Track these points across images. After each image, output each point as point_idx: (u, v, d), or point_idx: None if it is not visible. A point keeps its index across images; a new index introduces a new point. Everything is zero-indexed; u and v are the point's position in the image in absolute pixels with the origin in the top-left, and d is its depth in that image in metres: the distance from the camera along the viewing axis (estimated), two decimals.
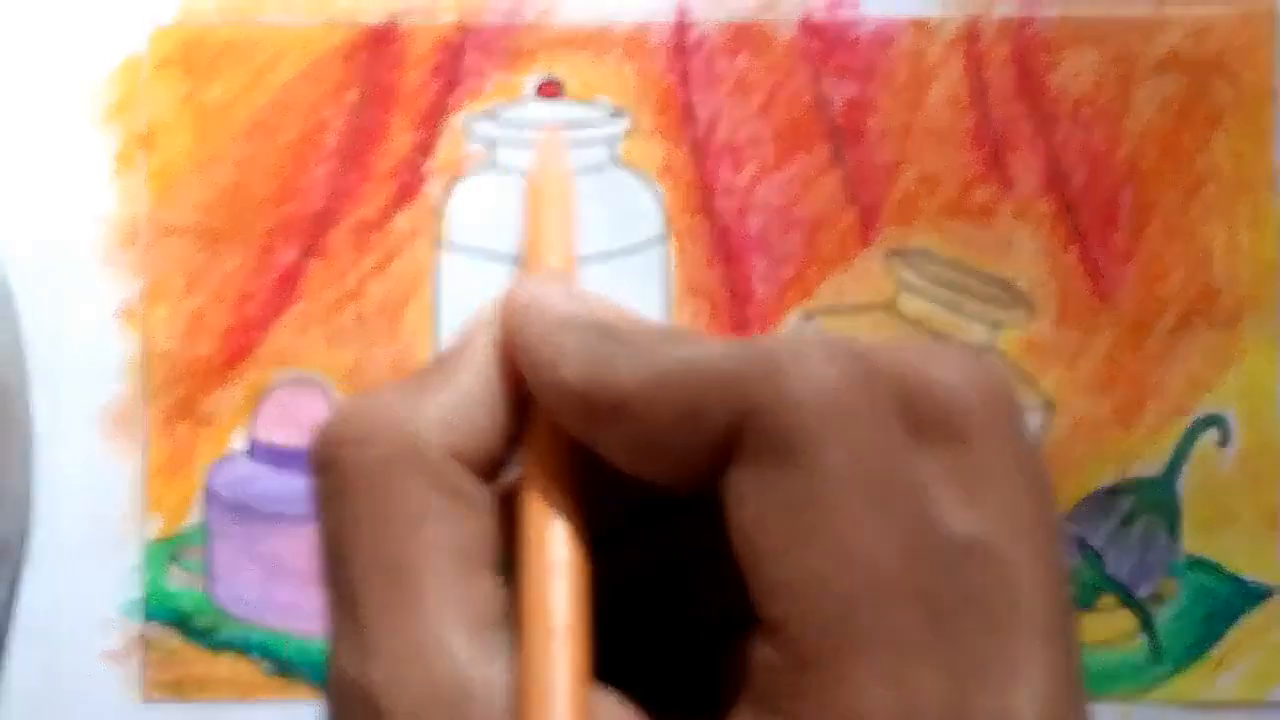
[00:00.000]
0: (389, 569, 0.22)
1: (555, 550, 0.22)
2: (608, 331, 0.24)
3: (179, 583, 0.46)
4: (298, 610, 0.46)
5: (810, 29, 0.47)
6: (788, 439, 0.20)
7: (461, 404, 0.24)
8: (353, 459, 0.23)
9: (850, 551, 0.19)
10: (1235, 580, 0.46)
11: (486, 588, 0.22)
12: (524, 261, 0.28)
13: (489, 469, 0.24)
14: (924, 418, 0.21)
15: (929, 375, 0.21)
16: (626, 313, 0.26)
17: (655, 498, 0.23)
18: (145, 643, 0.46)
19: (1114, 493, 0.46)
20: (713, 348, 0.21)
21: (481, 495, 0.23)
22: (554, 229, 0.28)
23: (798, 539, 0.19)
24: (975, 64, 0.46)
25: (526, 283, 0.25)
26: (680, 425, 0.21)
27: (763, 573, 0.20)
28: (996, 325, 0.46)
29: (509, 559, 0.23)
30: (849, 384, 0.20)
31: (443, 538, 0.22)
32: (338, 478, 0.23)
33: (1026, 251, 0.46)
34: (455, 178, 0.47)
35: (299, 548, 0.46)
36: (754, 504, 0.20)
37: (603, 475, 0.23)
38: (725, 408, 0.20)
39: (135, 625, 0.46)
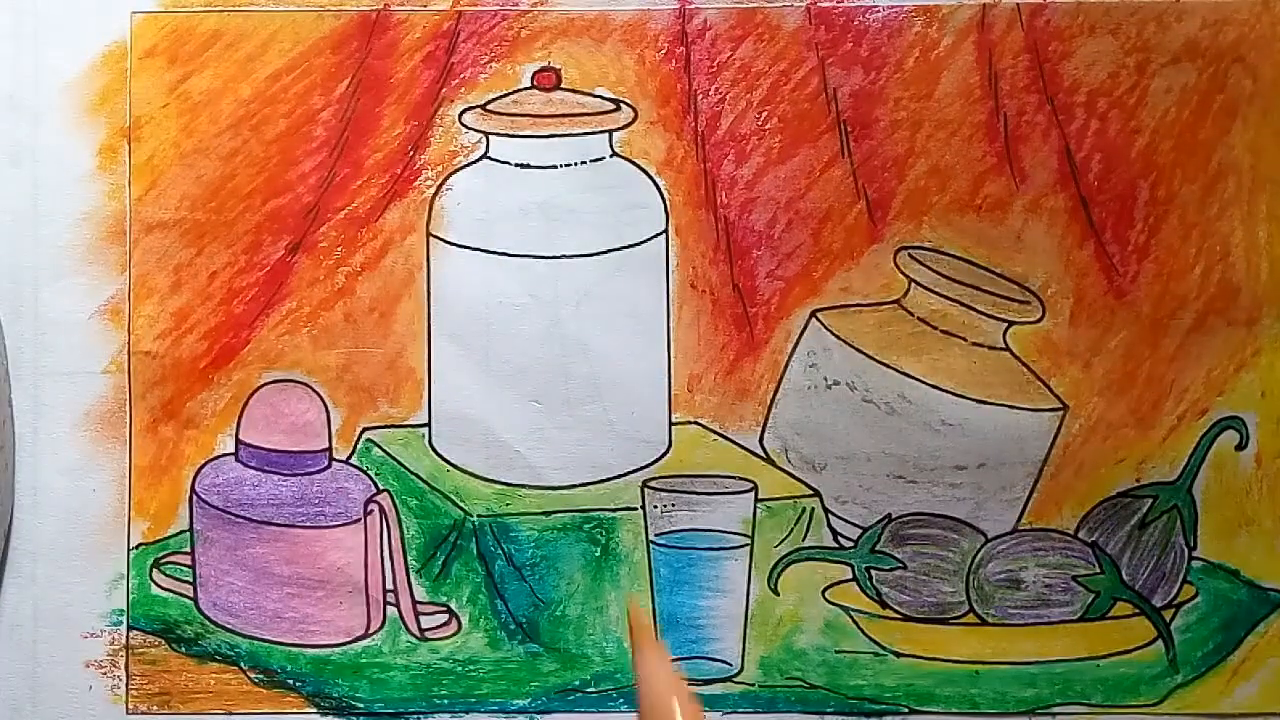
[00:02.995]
0: None
1: None
2: None
3: (164, 590, 0.45)
4: (284, 619, 0.45)
5: (818, 16, 0.46)
6: None
7: None
8: None
9: None
10: (1253, 587, 0.45)
11: None
12: None
13: None
14: None
15: None
16: None
17: None
18: (130, 652, 0.45)
19: (1130, 497, 0.45)
20: None
21: None
22: None
23: None
24: (987, 53, 0.46)
25: None
26: None
27: None
28: (1009, 324, 0.45)
29: None
30: None
31: None
32: None
33: (1040, 247, 0.46)
34: (449, 171, 0.46)
35: (286, 554, 0.45)
36: None
37: None
38: None
39: (119, 634, 0.45)
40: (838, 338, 0.46)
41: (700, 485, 0.45)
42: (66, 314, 0.45)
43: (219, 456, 0.45)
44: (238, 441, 0.45)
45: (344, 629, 0.45)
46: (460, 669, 0.45)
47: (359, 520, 0.45)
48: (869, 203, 0.46)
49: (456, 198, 0.46)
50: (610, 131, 0.46)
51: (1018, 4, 0.46)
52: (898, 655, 0.45)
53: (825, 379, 0.46)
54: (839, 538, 0.45)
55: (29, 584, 0.45)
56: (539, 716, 0.45)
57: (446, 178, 0.46)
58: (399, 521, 0.45)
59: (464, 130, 0.46)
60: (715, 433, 0.46)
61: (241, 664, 0.45)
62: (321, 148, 0.46)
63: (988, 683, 0.45)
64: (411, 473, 0.45)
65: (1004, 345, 0.46)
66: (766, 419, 0.46)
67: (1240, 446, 0.46)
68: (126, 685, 0.45)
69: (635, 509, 0.45)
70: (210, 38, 0.46)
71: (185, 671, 0.45)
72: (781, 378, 0.46)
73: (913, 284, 0.45)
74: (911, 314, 0.46)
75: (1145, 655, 0.45)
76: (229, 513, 0.45)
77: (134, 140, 0.46)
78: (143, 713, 0.45)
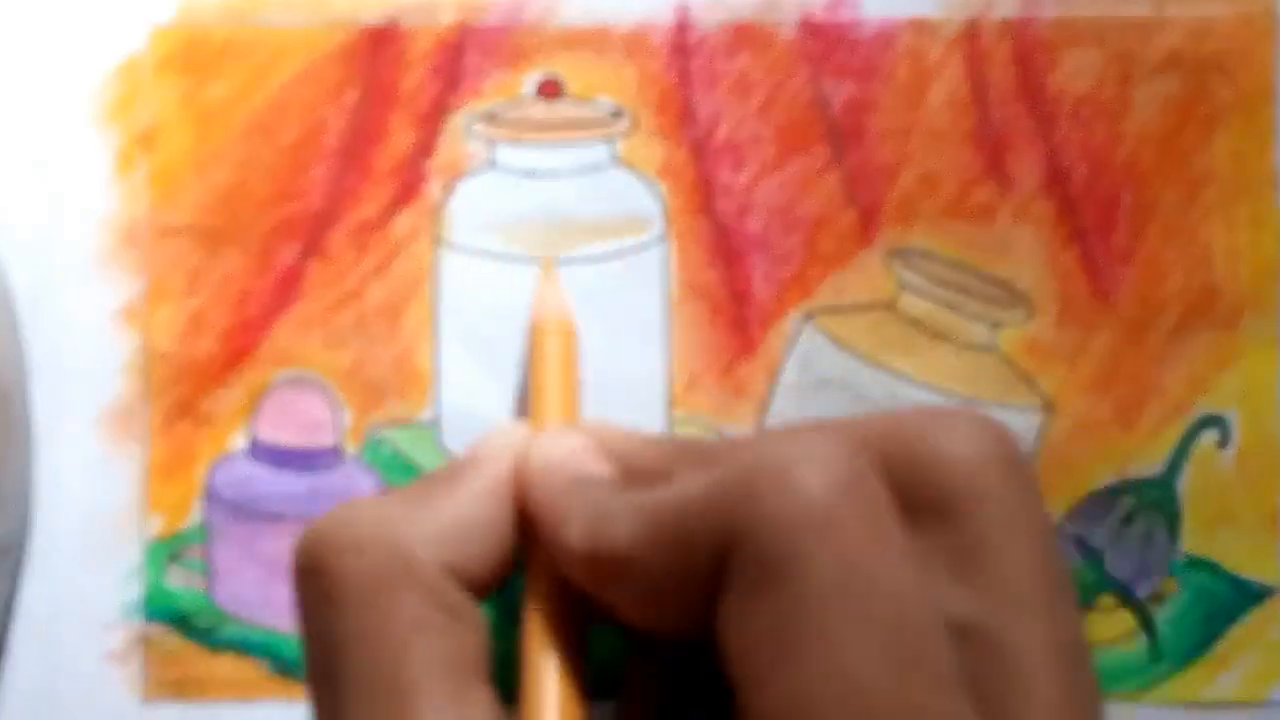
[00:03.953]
0: (380, 688, 0.21)
1: (548, 695, 0.22)
2: (610, 487, 0.23)
3: (179, 582, 0.46)
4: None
5: (810, 29, 0.47)
6: (771, 561, 0.19)
7: (461, 522, 0.24)
8: (342, 568, 0.23)
9: (836, 672, 0.18)
10: (1235, 580, 0.46)
11: (482, 701, 0.22)
12: (531, 408, 0.29)
13: (483, 587, 0.24)
14: (920, 495, 0.20)
15: (925, 449, 0.21)
16: (635, 446, 0.25)
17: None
18: (146, 643, 0.46)
19: (1114, 493, 0.46)
20: (698, 481, 0.21)
21: (475, 611, 0.23)
22: (558, 376, 0.29)
23: (782, 663, 0.19)
24: (975, 64, 0.46)
25: (538, 443, 0.26)
26: (674, 569, 0.20)
27: (748, 701, 0.19)
28: (996, 325, 0.46)
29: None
30: (834, 490, 0.19)
31: (436, 653, 0.22)
32: (326, 586, 0.23)
33: (1026, 251, 0.46)
34: (456, 178, 0.47)
35: None
36: (740, 631, 0.19)
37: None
38: (710, 540, 0.20)
39: (136, 625, 0.46)
40: (831, 339, 0.46)
41: None
42: (85, 316, 0.46)
43: (233, 453, 0.46)
44: (251, 439, 0.46)
45: None
46: None
47: None
48: (861, 209, 0.46)
49: (463, 204, 0.47)
50: (611, 139, 0.46)
51: (1005, 17, 0.47)
52: None
53: (819, 379, 0.46)
54: None
55: (48, 578, 0.46)
56: None
57: (453, 184, 0.47)
58: None
59: (470, 139, 0.47)
60: (713, 431, 0.47)
61: (255, 654, 0.46)
62: (332, 156, 0.47)
63: None
64: (420, 468, 0.46)
65: (992, 346, 0.46)
66: (763, 418, 0.47)
67: (1222, 444, 0.46)
68: (143, 675, 0.46)
69: None
70: (224, 49, 0.47)
71: (200, 661, 0.46)
72: (777, 378, 0.47)
73: (903, 287, 0.46)
74: (902, 316, 0.46)
75: (1129, 646, 0.46)
76: (242, 508, 0.46)
77: (151, 148, 0.47)
78: (158, 701, 0.46)
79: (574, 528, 0.23)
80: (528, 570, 0.25)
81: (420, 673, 0.22)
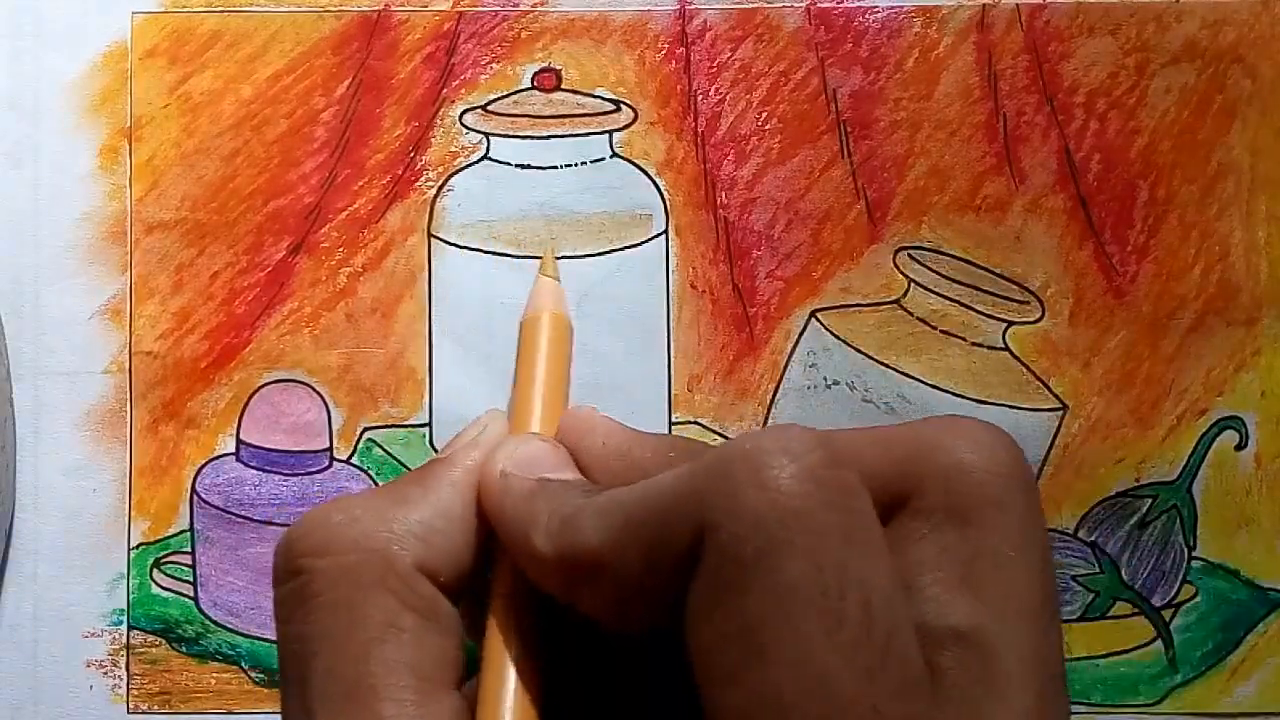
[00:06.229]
0: (347, 688, 0.21)
1: (507, 697, 0.22)
2: (576, 488, 0.23)
3: (165, 589, 0.45)
4: None
5: (817, 16, 0.46)
6: (741, 553, 0.18)
7: (438, 521, 0.24)
8: (318, 568, 0.22)
9: (803, 672, 0.18)
10: (1253, 586, 0.45)
11: (448, 709, 0.21)
12: (512, 409, 0.28)
13: (459, 587, 0.23)
14: (936, 501, 0.20)
15: (946, 456, 0.21)
16: (610, 439, 0.25)
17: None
18: (131, 652, 0.45)
19: (1129, 496, 0.45)
20: (670, 475, 0.20)
21: (449, 613, 0.23)
22: (545, 368, 0.29)
23: (750, 661, 0.18)
24: (987, 54, 0.46)
25: (503, 448, 0.25)
26: (645, 566, 0.20)
27: (715, 698, 0.18)
28: (1008, 324, 0.46)
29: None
30: (807, 482, 0.19)
31: (405, 656, 0.22)
32: (302, 587, 0.22)
33: (1039, 248, 0.46)
34: (450, 172, 0.46)
35: None
36: (709, 625, 0.19)
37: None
38: (681, 534, 0.19)
39: (120, 634, 0.45)
40: (837, 338, 0.46)
41: None
42: (67, 314, 0.45)
43: (220, 456, 0.45)
44: (238, 441, 0.45)
45: None
46: None
47: None
48: (868, 203, 0.46)
49: (457, 198, 0.46)
50: (610, 132, 0.46)
51: (1017, 4, 0.46)
52: None
53: (825, 379, 0.46)
54: None
55: (29, 584, 0.45)
56: None
57: (447, 178, 0.46)
58: None
59: (464, 131, 0.46)
60: (715, 432, 0.46)
61: (242, 663, 0.45)
62: (322, 148, 0.46)
63: None
64: None
65: (1003, 345, 0.46)
66: (766, 419, 0.46)
67: (1240, 446, 0.46)
68: (127, 685, 0.45)
69: None
70: (211, 38, 0.46)
71: (186, 671, 0.45)
72: (781, 378, 0.46)
73: (912, 284, 0.46)
74: (911, 314, 0.46)
75: (1144, 655, 0.45)
76: (230, 512, 0.45)
77: (135, 140, 0.46)
78: (144, 712, 0.45)
79: (541, 531, 0.22)
80: (492, 572, 0.24)
81: (384, 677, 0.21)
